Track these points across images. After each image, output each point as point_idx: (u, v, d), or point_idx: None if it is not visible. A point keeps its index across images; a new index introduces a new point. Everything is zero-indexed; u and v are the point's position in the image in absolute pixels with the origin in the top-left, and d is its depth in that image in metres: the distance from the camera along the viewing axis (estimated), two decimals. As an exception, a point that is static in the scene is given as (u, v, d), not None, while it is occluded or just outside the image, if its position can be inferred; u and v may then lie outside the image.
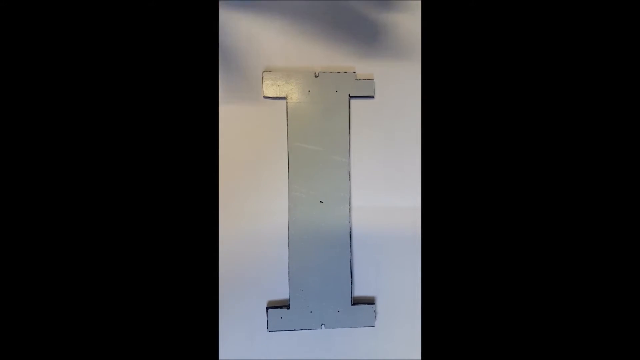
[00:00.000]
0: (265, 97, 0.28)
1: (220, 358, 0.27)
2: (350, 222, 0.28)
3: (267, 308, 0.28)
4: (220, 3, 0.26)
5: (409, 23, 0.28)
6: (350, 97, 0.28)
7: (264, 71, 0.28)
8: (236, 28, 0.27)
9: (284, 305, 0.28)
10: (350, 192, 0.28)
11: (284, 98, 0.28)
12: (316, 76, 0.28)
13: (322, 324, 0.28)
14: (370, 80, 0.28)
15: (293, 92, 0.27)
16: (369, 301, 0.29)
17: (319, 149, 0.28)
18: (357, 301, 0.29)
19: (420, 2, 0.28)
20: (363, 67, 0.28)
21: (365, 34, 0.28)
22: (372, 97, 0.28)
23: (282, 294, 0.28)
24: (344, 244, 0.28)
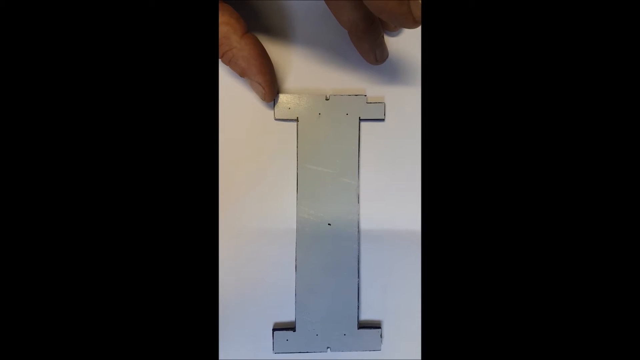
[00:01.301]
0: (277, 119, 0.28)
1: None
2: (358, 245, 0.28)
3: (273, 330, 0.28)
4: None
5: (419, 48, 0.29)
6: (361, 120, 0.28)
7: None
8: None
9: (290, 327, 0.28)
10: (359, 215, 0.28)
11: (295, 120, 0.28)
12: (327, 99, 0.28)
13: (327, 347, 0.28)
14: (381, 104, 0.28)
15: (304, 114, 0.28)
16: (375, 325, 0.29)
17: (328, 170, 0.28)
18: (363, 325, 0.28)
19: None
20: (374, 90, 0.29)
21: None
22: (382, 120, 0.28)
23: (288, 316, 0.28)
24: (352, 267, 0.28)
